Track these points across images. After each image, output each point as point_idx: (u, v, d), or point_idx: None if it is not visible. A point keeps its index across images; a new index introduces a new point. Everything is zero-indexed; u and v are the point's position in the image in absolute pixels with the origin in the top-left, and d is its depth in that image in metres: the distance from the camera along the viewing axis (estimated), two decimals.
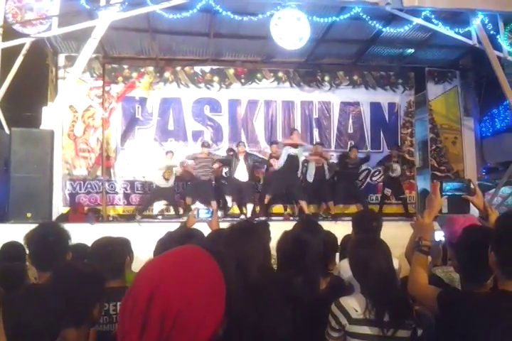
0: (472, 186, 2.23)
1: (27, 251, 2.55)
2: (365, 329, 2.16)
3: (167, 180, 8.97)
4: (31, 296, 2.22)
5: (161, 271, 0.93)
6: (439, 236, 3.11)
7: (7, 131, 7.53)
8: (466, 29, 8.27)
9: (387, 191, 9.63)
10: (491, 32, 8.34)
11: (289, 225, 2.82)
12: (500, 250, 1.70)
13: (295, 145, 8.78)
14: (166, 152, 9.31)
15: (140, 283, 0.93)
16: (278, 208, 9.76)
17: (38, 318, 2.00)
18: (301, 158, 9.06)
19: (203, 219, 3.47)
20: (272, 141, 9.87)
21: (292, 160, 8.69)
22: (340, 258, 3.48)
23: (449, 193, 2.20)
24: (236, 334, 1.12)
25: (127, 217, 9.27)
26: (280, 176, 8.74)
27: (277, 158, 8.94)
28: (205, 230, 3.01)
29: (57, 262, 2.33)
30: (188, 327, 0.88)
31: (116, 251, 2.58)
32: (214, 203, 8.79)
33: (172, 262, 0.96)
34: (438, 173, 10.30)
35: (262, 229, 3.40)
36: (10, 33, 7.58)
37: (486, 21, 8.24)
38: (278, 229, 2.94)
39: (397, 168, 9.56)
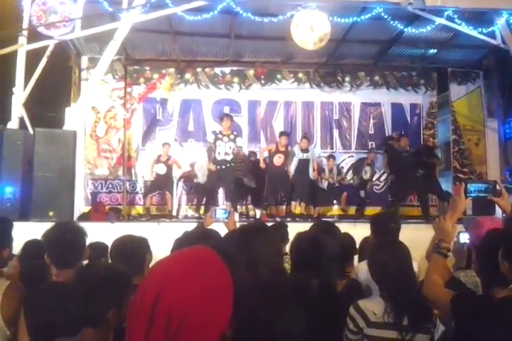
0: (498, 187, 2.18)
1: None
2: (384, 333, 2.14)
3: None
4: (53, 294, 2.26)
5: (168, 270, 0.93)
6: (464, 238, 3.03)
7: (31, 131, 7.67)
8: (490, 29, 8.13)
9: (362, 193, 9.51)
10: None
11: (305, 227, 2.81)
12: (485, 264, 1.69)
13: (305, 150, 8.72)
14: (162, 144, 9.35)
15: (148, 283, 0.93)
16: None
17: (59, 316, 2.04)
18: (316, 158, 9.05)
19: (220, 219, 3.45)
20: (281, 132, 9.32)
21: (304, 163, 8.62)
22: (359, 261, 3.45)
23: (474, 195, 2.15)
24: (247, 335, 1.12)
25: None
26: (294, 180, 8.67)
27: (283, 153, 8.56)
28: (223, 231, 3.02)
29: (74, 260, 2.36)
30: (195, 327, 0.88)
31: (136, 248, 2.61)
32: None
33: (180, 262, 0.96)
34: (461, 175, 10.13)
35: (275, 230, 3.39)
36: (34, 36, 7.72)
37: (511, 21, 8.09)
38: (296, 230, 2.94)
39: (367, 171, 9.53)
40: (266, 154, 9.15)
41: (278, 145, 8.75)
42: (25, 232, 4.53)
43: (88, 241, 2.61)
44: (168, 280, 0.90)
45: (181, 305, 0.88)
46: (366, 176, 9.54)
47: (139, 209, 9.85)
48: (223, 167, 7.98)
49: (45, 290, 2.39)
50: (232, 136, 8.03)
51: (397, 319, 2.13)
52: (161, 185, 9.06)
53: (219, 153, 7.97)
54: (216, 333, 0.90)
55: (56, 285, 2.40)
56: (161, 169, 8.95)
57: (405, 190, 9.20)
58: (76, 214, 7.89)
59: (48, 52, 8.22)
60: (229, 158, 7.97)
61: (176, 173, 9.47)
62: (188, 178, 9.85)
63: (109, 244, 3.06)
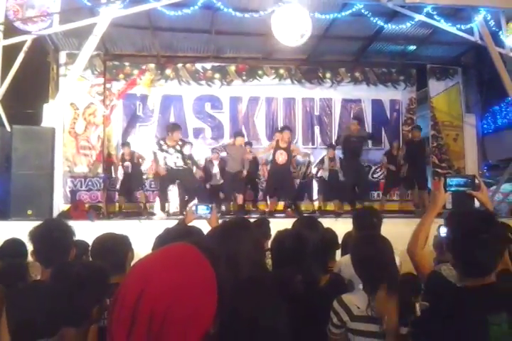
0: (477, 181, 2.22)
1: (30, 248, 2.55)
2: (367, 326, 2.16)
3: None
4: (32, 293, 2.22)
5: (150, 268, 0.91)
6: (445, 231, 3.07)
7: (8, 128, 7.52)
8: (468, 26, 8.23)
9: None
10: (493, 28, 8.30)
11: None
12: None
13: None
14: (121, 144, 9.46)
15: (129, 281, 0.91)
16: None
17: (37, 315, 2.01)
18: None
19: (202, 216, 3.41)
20: (283, 127, 9.02)
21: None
22: (342, 255, 3.48)
23: (454, 189, 2.19)
24: (230, 332, 1.11)
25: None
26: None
27: (285, 150, 8.29)
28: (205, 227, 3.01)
29: (61, 258, 2.33)
30: (178, 326, 0.86)
31: (118, 246, 2.59)
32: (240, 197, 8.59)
33: (161, 260, 0.94)
34: (439, 170, 10.27)
35: (257, 226, 3.38)
36: (11, 31, 7.56)
37: (489, 18, 8.21)
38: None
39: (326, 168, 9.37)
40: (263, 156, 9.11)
41: (279, 141, 8.33)
42: (4, 231, 4.46)
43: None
44: (151, 278, 0.88)
45: (164, 303, 0.86)
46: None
47: (118, 206, 9.75)
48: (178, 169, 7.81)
49: (26, 289, 2.36)
50: (178, 147, 7.71)
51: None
52: (131, 183, 9.17)
53: (165, 164, 7.77)
54: (200, 330, 0.89)
55: (36, 284, 2.37)
56: (128, 168, 9.04)
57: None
58: (55, 213, 7.78)
59: (25, 48, 8.07)
60: (180, 165, 7.79)
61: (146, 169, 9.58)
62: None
63: (90, 242, 3.03)
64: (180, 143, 7.82)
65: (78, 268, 1.90)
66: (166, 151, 7.67)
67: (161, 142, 7.81)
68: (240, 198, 8.58)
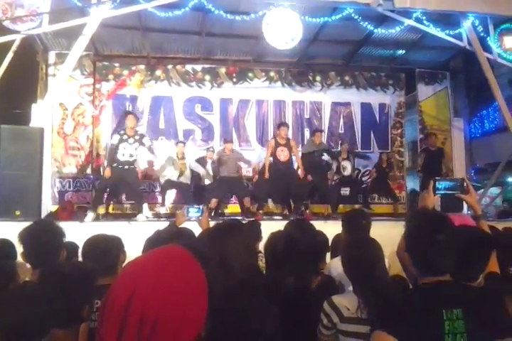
0: (465, 185, 2.25)
1: (20, 249, 2.53)
2: (357, 328, 2.17)
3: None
4: (21, 295, 2.20)
5: (140, 272, 0.90)
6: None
7: None
8: (457, 31, 8.33)
9: (345, 190, 9.26)
10: (482, 34, 8.42)
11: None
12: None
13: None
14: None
15: (120, 283, 0.89)
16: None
17: (26, 317, 1.99)
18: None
19: (193, 218, 3.42)
20: (280, 123, 8.76)
21: None
22: (332, 258, 3.49)
23: (442, 192, 2.21)
24: (221, 334, 1.11)
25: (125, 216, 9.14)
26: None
27: (285, 146, 8.05)
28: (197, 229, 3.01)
29: (51, 260, 2.31)
30: (168, 330, 0.85)
31: (110, 248, 2.58)
32: (247, 200, 8.37)
33: (152, 262, 0.93)
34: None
35: (248, 228, 3.39)
36: (0, 30, 7.50)
37: (477, 23, 8.32)
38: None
39: (347, 166, 9.13)
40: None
41: (277, 138, 8.10)
42: None
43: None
44: (141, 280, 0.87)
45: (155, 307, 0.85)
46: (346, 172, 9.15)
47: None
48: (125, 167, 7.35)
49: (16, 290, 2.33)
50: (137, 137, 7.42)
51: (370, 314, 2.17)
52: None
53: (123, 155, 7.33)
54: (191, 333, 0.88)
55: (25, 287, 2.35)
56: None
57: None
58: (44, 213, 7.71)
59: (14, 47, 7.99)
60: (132, 159, 7.40)
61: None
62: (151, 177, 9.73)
63: (79, 244, 3.01)
64: (139, 133, 7.70)
65: (65, 269, 1.89)
66: (126, 141, 7.36)
67: (122, 132, 7.52)
68: (246, 201, 8.39)
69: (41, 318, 1.76)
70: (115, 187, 7.95)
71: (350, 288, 2.34)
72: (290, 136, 10.53)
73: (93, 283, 1.89)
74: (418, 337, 1.57)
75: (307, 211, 8.56)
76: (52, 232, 2.41)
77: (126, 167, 7.39)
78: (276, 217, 8.85)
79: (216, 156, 8.81)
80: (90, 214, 7.21)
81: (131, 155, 7.40)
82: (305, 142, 10.47)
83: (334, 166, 9.06)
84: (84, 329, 1.89)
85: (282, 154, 8.00)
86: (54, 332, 1.72)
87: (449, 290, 1.68)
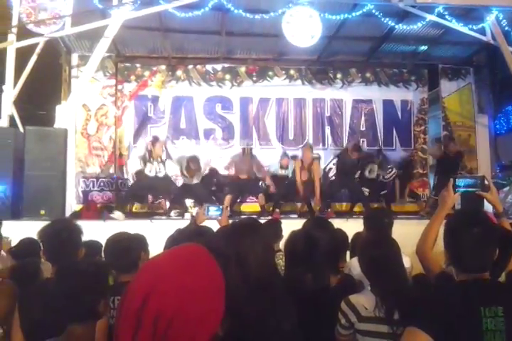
0: (486, 182, 2.21)
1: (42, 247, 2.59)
2: (375, 327, 2.16)
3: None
4: (41, 292, 2.25)
5: (158, 269, 0.91)
6: None
7: (21, 129, 7.61)
8: (480, 25, 8.16)
9: (365, 190, 9.14)
10: (506, 28, 8.22)
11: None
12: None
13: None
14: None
15: (137, 282, 0.90)
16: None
17: (45, 314, 2.03)
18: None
19: (213, 217, 3.44)
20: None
21: None
22: (351, 256, 3.47)
23: (463, 189, 2.17)
24: (239, 334, 1.12)
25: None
26: None
27: (307, 169, 8.45)
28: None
29: (69, 257, 2.36)
30: (183, 330, 0.85)
31: (131, 246, 2.62)
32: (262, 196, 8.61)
33: (170, 261, 0.94)
34: None
35: (267, 226, 3.39)
36: (24, 33, 7.65)
37: (501, 17, 8.13)
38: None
39: (373, 169, 9.09)
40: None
41: (302, 161, 8.48)
42: (17, 231, 4.51)
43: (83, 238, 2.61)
44: (159, 279, 0.88)
45: (170, 306, 0.85)
46: (372, 175, 9.18)
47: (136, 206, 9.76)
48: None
49: (37, 288, 2.39)
50: (159, 159, 7.97)
51: (388, 313, 2.15)
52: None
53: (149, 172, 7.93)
54: (208, 333, 0.89)
55: (46, 284, 2.40)
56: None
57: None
58: (68, 213, 7.86)
59: (37, 50, 8.14)
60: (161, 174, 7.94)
61: None
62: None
63: (102, 242, 3.06)
64: (164, 158, 8.15)
65: (79, 265, 1.93)
66: (150, 162, 7.92)
67: (146, 154, 8.01)
68: (261, 198, 8.59)
69: (58, 314, 1.80)
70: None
71: (369, 287, 2.32)
72: (311, 134, 10.60)
73: (107, 278, 1.92)
74: (455, 334, 1.56)
75: (329, 209, 8.57)
76: (70, 230, 2.46)
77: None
78: (292, 216, 8.81)
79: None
80: (118, 213, 7.44)
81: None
82: (325, 140, 10.42)
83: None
84: (102, 325, 1.91)
85: (303, 175, 8.41)
86: (72, 328, 1.75)
87: (487, 288, 1.68)
